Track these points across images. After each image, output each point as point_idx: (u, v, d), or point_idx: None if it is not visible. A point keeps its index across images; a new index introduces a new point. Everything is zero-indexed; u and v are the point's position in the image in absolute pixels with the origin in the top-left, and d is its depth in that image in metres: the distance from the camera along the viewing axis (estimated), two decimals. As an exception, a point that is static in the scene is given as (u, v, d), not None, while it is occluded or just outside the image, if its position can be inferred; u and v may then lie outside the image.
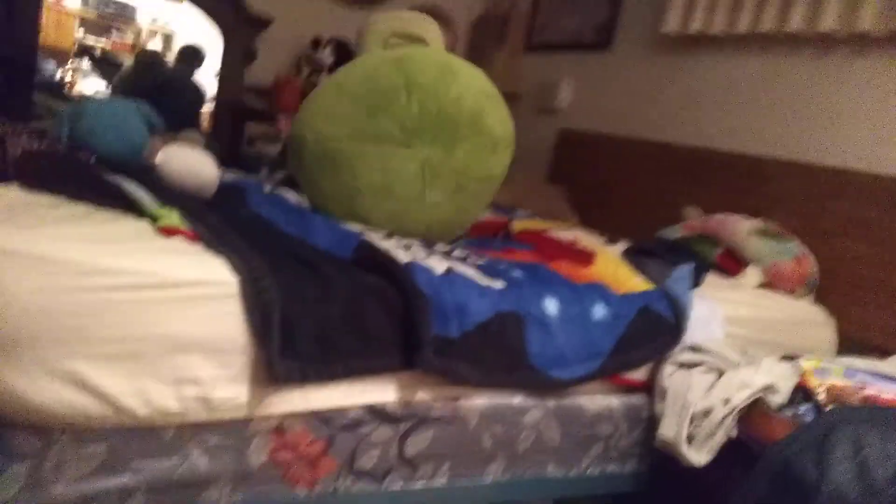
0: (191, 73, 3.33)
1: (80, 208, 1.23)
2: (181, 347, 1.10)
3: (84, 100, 1.74)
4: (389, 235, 1.76)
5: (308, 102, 1.79)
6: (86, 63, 4.14)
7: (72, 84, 3.88)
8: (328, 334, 1.23)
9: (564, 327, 1.51)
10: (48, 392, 1.01)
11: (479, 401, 1.43)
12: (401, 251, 1.56)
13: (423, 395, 1.36)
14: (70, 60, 4.02)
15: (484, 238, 2.06)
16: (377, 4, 3.63)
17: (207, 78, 3.50)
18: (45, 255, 1.02)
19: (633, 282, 1.74)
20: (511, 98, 3.40)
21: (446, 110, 1.70)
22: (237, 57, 3.24)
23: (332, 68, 3.40)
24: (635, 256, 1.98)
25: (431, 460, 1.40)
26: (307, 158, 1.74)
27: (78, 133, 1.47)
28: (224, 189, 1.64)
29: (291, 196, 1.90)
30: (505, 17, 3.41)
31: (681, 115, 2.68)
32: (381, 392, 1.31)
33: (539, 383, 1.48)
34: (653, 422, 1.61)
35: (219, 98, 3.31)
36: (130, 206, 1.28)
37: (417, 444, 1.37)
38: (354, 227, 1.70)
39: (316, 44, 3.40)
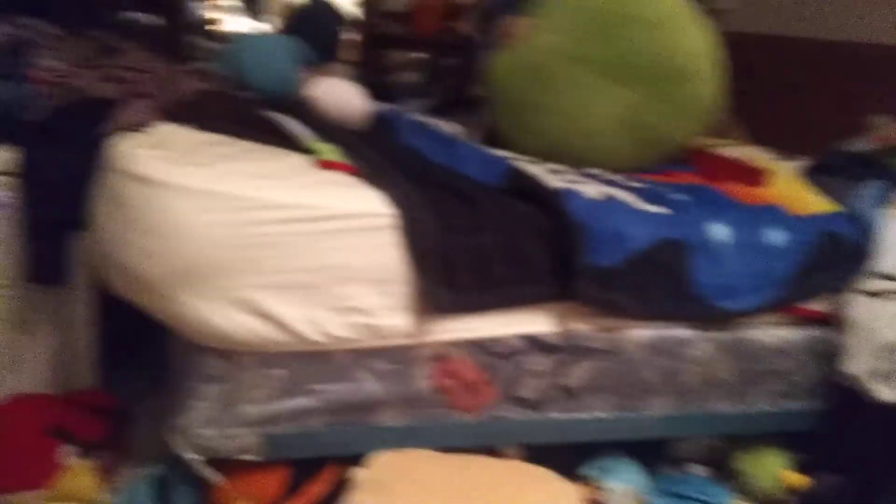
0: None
1: (244, 145, 1.27)
2: (347, 277, 1.14)
3: (239, 38, 1.79)
4: (538, 161, 1.70)
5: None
6: (237, 1, 4.30)
7: (218, 22, 4.05)
8: (482, 264, 1.22)
9: (735, 254, 1.40)
10: (232, 318, 1.09)
11: (641, 332, 1.37)
12: (551, 176, 1.50)
13: (580, 326, 1.32)
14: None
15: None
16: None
17: (348, 5, 3.52)
18: (220, 192, 1.07)
19: (812, 202, 1.59)
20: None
21: (666, 60, 1.60)
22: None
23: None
24: (815, 174, 1.79)
25: (592, 391, 1.37)
26: (511, 71, 1.68)
27: (235, 70, 1.52)
28: (375, 121, 1.65)
29: (437, 124, 1.87)
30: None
31: (866, 8, 2.34)
32: (538, 322, 1.29)
33: (706, 314, 1.40)
34: (836, 356, 1.47)
35: (360, 25, 3.31)
36: (290, 142, 1.31)
37: (577, 374, 1.34)
38: (502, 153, 1.65)
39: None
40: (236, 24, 4.11)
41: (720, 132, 2.28)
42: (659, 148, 1.68)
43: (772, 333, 1.48)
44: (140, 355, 1.46)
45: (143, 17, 3.00)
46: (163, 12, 2.84)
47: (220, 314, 1.08)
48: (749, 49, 2.75)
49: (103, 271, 1.13)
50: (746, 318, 1.44)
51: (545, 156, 1.60)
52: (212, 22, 4.00)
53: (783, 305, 1.45)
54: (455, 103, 2.27)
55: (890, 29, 2.27)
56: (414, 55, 3.31)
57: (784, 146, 2.06)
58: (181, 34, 2.98)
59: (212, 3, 4.19)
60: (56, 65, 1.44)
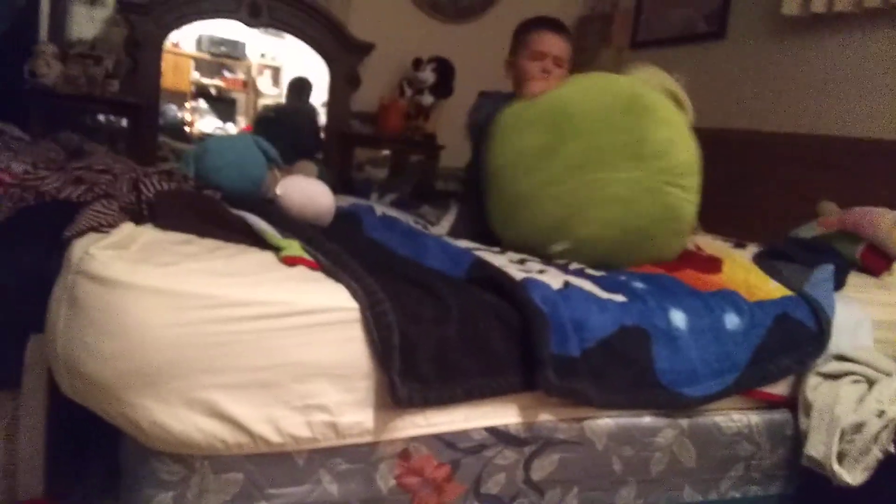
0: (302, 103, 3.47)
1: (209, 243, 1.28)
2: (308, 374, 1.12)
3: (206, 138, 1.84)
4: (501, 252, 1.74)
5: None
6: (202, 103, 4.42)
7: (191, 124, 4.15)
8: (447, 355, 1.22)
9: (694, 340, 1.43)
10: (187, 421, 1.06)
11: (606, 421, 1.37)
12: (515, 267, 1.54)
13: (546, 417, 1.32)
14: (187, 101, 4.30)
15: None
16: (472, 19, 3.65)
17: (315, 106, 3.64)
18: (180, 291, 1.06)
19: (767, 287, 1.63)
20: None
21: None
22: (342, 84, 3.35)
23: (434, 87, 3.45)
24: (767, 260, 1.85)
25: (559, 484, 1.35)
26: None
27: (202, 171, 1.55)
28: (340, 215, 1.68)
29: (403, 218, 1.92)
30: (608, 17, 3.33)
31: (807, 102, 2.50)
32: (503, 414, 1.29)
33: (669, 402, 1.41)
34: (798, 439, 1.49)
35: (327, 125, 3.42)
36: (255, 239, 1.32)
37: (544, 467, 1.33)
38: (466, 245, 1.69)
39: (417, 64, 3.45)
40: (207, 124, 4.21)
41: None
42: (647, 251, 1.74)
43: (734, 418, 1.49)
44: (90, 462, 1.41)
45: (114, 120, 3.07)
46: (132, 115, 2.90)
47: (177, 416, 1.05)
48: (700, 141, 2.89)
49: (56, 374, 1.11)
50: (708, 404, 1.45)
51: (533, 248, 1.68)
52: (185, 123, 4.09)
53: (743, 390, 1.47)
54: (418, 198, 2.33)
55: (833, 121, 2.41)
56: (379, 152, 3.42)
57: (737, 234, 2.15)
58: (153, 136, 3.04)
59: (188, 105, 4.30)
60: (19, 168, 1.46)
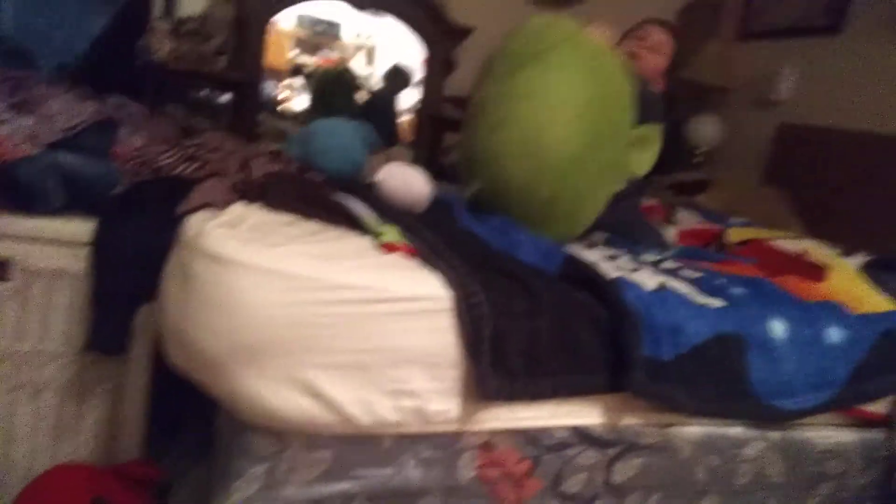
0: (395, 93, 3.49)
1: (311, 226, 1.33)
2: (400, 360, 1.15)
3: (312, 123, 1.88)
4: (592, 245, 1.72)
5: None
6: (298, 81, 4.52)
7: (285, 101, 4.24)
8: (536, 351, 1.22)
9: (793, 352, 1.38)
10: (285, 398, 1.10)
11: (693, 429, 1.34)
12: (607, 264, 1.52)
13: (631, 420, 1.30)
14: (285, 79, 4.41)
15: (695, 248, 1.94)
16: (573, 4, 3.57)
17: (409, 90, 3.66)
18: (285, 271, 1.11)
19: (873, 300, 1.55)
20: (720, 92, 3.19)
21: None
22: (438, 68, 3.35)
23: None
24: (876, 271, 1.75)
25: (640, 489, 1.34)
26: None
27: (307, 154, 1.60)
28: (433, 203, 1.70)
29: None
30: (716, 4, 3.19)
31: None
32: (588, 414, 1.28)
33: (761, 414, 1.37)
34: (892, 461, 1.42)
35: (420, 109, 3.44)
36: (355, 223, 1.36)
37: (625, 470, 1.32)
38: (559, 242, 1.67)
39: (513, 49, 3.41)
40: (300, 102, 4.32)
41: (776, 225, 2.27)
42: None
43: (826, 435, 1.44)
44: (187, 431, 1.49)
45: (216, 97, 3.18)
46: (235, 92, 3.00)
47: (275, 393, 1.10)
48: (808, 141, 2.75)
49: (163, 344, 1.18)
50: (802, 419, 1.40)
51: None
52: (281, 101, 4.21)
53: (840, 407, 1.41)
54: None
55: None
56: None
57: (845, 241, 2.03)
58: (253, 113, 3.14)
59: (283, 83, 4.42)
60: (138, 143, 1.54)
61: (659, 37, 2.12)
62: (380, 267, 1.19)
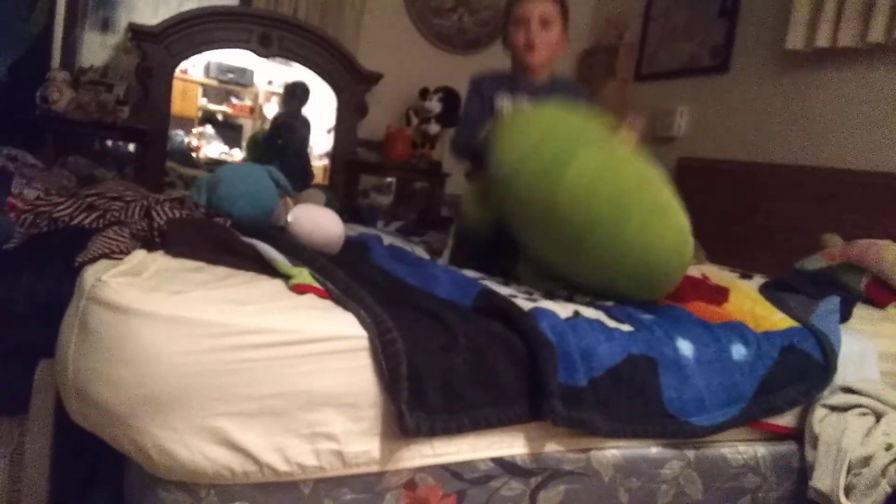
0: (298, 109, 3.48)
1: (220, 271, 1.30)
2: (316, 403, 1.12)
3: (219, 167, 1.85)
4: (506, 283, 1.75)
5: None
6: (209, 128, 4.47)
7: (198, 149, 4.18)
8: (454, 385, 1.22)
9: (702, 370, 1.43)
10: (195, 448, 1.06)
11: (612, 452, 1.37)
12: (522, 297, 1.54)
13: (553, 447, 1.31)
14: (194, 127, 4.34)
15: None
16: (479, 50, 3.70)
17: (322, 135, 3.68)
18: (192, 319, 1.07)
19: (773, 319, 1.64)
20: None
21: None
22: (350, 112, 3.39)
23: (440, 117, 3.49)
24: (774, 292, 1.85)
25: (566, 516, 1.34)
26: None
27: (214, 199, 1.57)
28: (348, 244, 1.69)
29: (410, 248, 1.93)
30: (613, 49, 3.37)
31: (810, 135, 2.52)
32: (510, 444, 1.28)
33: (677, 432, 1.41)
34: (804, 472, 1.48)
35: (334, 153, 3.46)
36: (265, 267, 1.33)
37: (550, 498, 1.32)
38: (474, 274, 1.69)
39: (424, 94, 3.50)
40: (213, 150, 4.25)
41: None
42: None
43: (740, 450, 1.49)
44: (95, 489, 1.40)
45: (122, 145, 3.10)
46: (140, 141, 2.93)
47: (184, 445, 1.05)
48: (704, 173, 2.92)
49: (65, 400, 1.11)
50: (715, 435, 1.45)
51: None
52: (192, 149, 4.13)
53: (750, 421, 1.47)
54: (423, 225, 2.35)
55: (837, 154, 2.43)
56: (385, 179, 3.44)
57: (742, 265, 2.16)
58: (161, 161, 3.07)
59: (194, 131, 4.35)
60: (34, 195, 1.48)
61: (541, 8, 1.97)
62: (290, 309, 1.17)
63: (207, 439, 1.06)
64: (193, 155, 4.01)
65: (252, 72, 4.62)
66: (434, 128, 3.46)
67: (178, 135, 4.28)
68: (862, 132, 2.34)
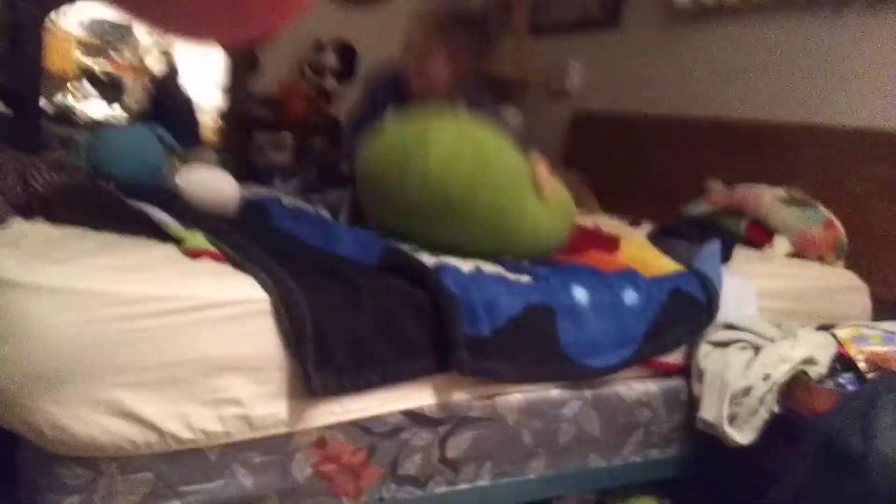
0: (175, 78, 3.29)
1: (106, 237, 1.23)
2: (217, 369, 1.11)
3: (100, 128, 1.73)
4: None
5: None
6: (86, 85, 4.17)
7: (77, 108, 3.90)
8: (361, 342, 1.23)
9: (596, 315, 1.50)
10: (92, 423, 1.02)
11: (516, 397, 1.42)
12: (426, 254, 1.56)
13: (459, 396, 1.35)
14: (70, 84, 4.03)
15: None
16: (377, 4, 3.61)
17: (212, 90, 3.51)
18: (76, 289, 1.02)
19: (661, 264, 1.72)
20: (520, 84, 3.39)
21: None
22: (240, 67, 3.24)
23: (336, 71, 3.39)
24: (661, 238, 1.95)
25: (473, 461, 1.39)
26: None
27: (96, 162, 1.47)
28: (246, 206, 1.64)
29: (310, 207, 1.89)
30: (507, 3, 3.38)
31: (697, 87, 2.64)
32: (418, 396, 1.31)
33: (574, 373, 1.48)
34: (692, 405, 1.59)
35: (227, 110, 3.31)
36: (155, 231, 1.28)
37: (458, 445, 1.37)
38: (376, 233, 1.69)
39: (318, 47, 3.39)
40: (95, 109, 3.98)
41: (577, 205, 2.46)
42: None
43: (633, 388, 1.58)
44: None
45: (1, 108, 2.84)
46: (13, 102, 2.70)
47: (80, 420, 1.01)
48: (597, 126, 3.01)
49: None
50: (610, 375, 1.53)
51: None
52: (71, 110, 3.84)
53: (641, 360, 1.55)
54: (323, 182, 2.30)
55: (717, 105, 2.55)
56: (281, 136, 3.33)
57: (633, 213, 2.25)
58: (35, 123, 2.84)
59: (71, 90, 4.04)
60: None
61: (422, 40, 1.93)
62: (184, 274, 1.14)
63: (104, 412, 1.03)
64: (74, 115, 3.74)
65: (131, 27, 4.33)
66: (331, 82, 3.37)
67: (57, 95, 3.96)
68: (743, 84, 2.47)
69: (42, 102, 3.02)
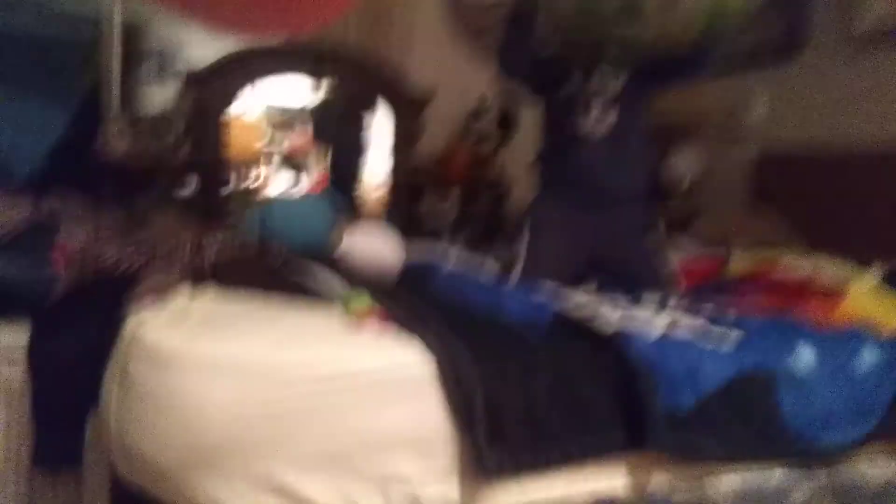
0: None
1: (272, 309, 1.20)
2: (383, 443, 1.00)
3: (273, 199, 1.78)
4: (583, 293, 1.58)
5: None
6: (272, 168, 4.49)
7: (262, 187, 4.18)
8: (538, 414, 1.07)
9: (825, 382, 1.24)
10: (251, 500, 0.95)
11: (729, 478, 1.18)
12: (606, 306, 1.38)
13: (660, 478, 1.14)
14: (257, 168, 4.36)
15: (698, 288, 1.78)
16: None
17: (382, 159, 3.60)
18: (238, 362, 0.97)
19: (899, 315, 1.42)
20: (694, 127, 3.15)
21: None
22: (406, 134, 3.30)
23: (495, 136, 3.37)
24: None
25: (681, 559, 1.16)
26: None
27: (267, 232, 1.48)
28: (409, 269, 1.57)
29: (475, 268, 1.79)
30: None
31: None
32: (608, 479, 1.12)
33: (801, 452, 1.21)
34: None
35: (393, 179, 3.37)
36: (322, 298, 1.23)
37: (662, 539, 1.14)
38: (549, 287, 1.54)
39: (475, 115, 3.39)
40: (276, 188, 4.24)
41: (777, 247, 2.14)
42: None
43: (879, 467, 1.27)
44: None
45: (181, 191, 3.09)
46: (199, 182, 2.91)
47: (241, 498, 0.94)
48: (790, 165, 2.68)
49: (114, 456, 1.02)
50: (848, 454, 1.24)
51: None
52: (255, 189, 4.13)
53: (886, 434, 1.25)
54: (484, 240, 2.21)
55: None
56: (444, 201, 3.32)
57: (854, 255, 1.87)
58: (219, 202, 3.05)
59: (255, 172, 4.37)
60: (79, 242, 1.42)
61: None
62: (350, 342, 1.06)
63: (265, 491, 0.95)
64: (258, 193, 4.01)
65: (307, 109, 4.64)
66: (487, 148, 3.34)
67: (241, 177, 4.30)
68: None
69: (227, 186, 3.26)
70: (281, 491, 0.95)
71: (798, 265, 1.74)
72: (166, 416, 0.94)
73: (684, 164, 3.02)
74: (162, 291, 1.21)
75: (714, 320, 1.32)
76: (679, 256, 2.06)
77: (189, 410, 0.93)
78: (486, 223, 2.94)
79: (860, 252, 1.88)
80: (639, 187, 1.75)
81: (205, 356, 0.96)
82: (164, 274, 1.27)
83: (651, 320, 1.25)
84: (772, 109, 2.89)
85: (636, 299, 1.48)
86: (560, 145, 1.75)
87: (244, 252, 1.48)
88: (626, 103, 1.69)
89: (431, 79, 3.26)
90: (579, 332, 1.22)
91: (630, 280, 1.63)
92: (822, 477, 1.24)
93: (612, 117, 1.67)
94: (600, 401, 1.11)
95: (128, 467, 0.99)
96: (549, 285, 1.54)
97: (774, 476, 1.21)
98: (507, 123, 3.38)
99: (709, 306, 1.41)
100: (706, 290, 1.68)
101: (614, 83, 1.68)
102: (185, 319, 1.08)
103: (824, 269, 1.68)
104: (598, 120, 1.67)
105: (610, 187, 1.68)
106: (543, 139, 1.83)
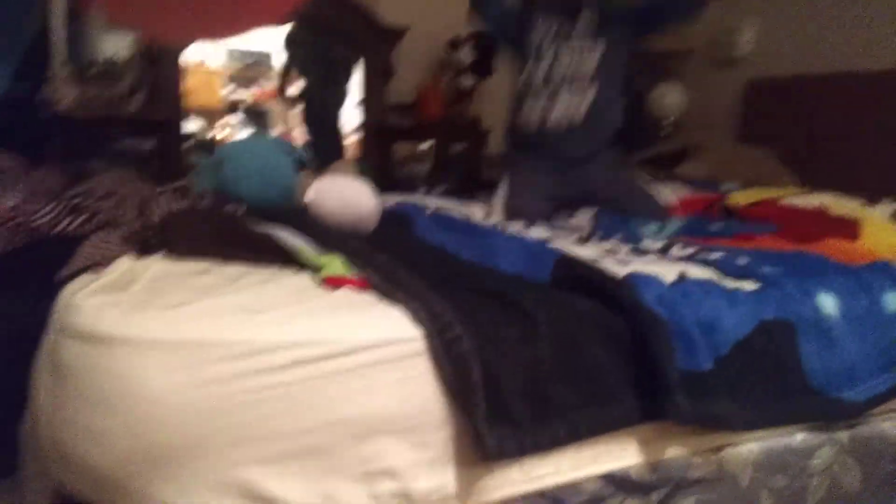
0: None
1: (232, 270, 1.04)
2: (366, 431, 0.86)
3: (224, 146, 1.59)
4: (577, 229, 1.45)
5: None
6: (235, 117, 4.27)
7: (225, 140, 3.98)
8: (541, 386, 0.94)
9: (850, 330, 1.13)
10: (218, 509, 0.81)
11: (749, 447, 1.08)
12: (608, 260, 1.25)
13: (675, 452, 1.03)
14: (220, 118, 4.15)
15: (696, 218, 1.67)
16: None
17: (350, 102, 3.41)
18: (192, 340, 0.82)
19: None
20: (679, 56, 2.98)
21: None
22: (376, 76, 3.09)
23: (474, 66, 3.16)
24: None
25: (701, 535, 1.06)
26: None
27: (220, 183, 1.30)
28: (385, 219, 1.41)
29: (459, 211, 1.64)
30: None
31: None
32: (620, 454, 1.01)
33: (826, 410, 1.12)
34: None
35: (364, 121, 3.18)
36: (288, 259, 1.07)
37: (679, 515, 1.04)
38: (542, 233, 1.40)
39: (454, 45, 3.17)
40: (239, 137, 4.03)
41: (774, 183, 2.02)
42: None
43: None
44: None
45: (138, 144, 2.89)
46: (157, 135, 2.71)
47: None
48: (781, 93, 2.54)
49: (49, 462, 0.87)
50: (872, 409, 1.15)
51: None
52: (217, 141, 3.93)
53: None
54: (467, 187, 2.07)
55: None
56: (421, 145, 3.15)
57: (849, 190, 1.74)
58: (178, 155, 2.84)
59: (219, 122, 4.16)
60: (11, 202, 1.23)
61: None
62: (321, 311, 0.90)
63: (232, 496, 0.81)
64: (216, 146, 3.81)
65: (269, 54, 4.39)
66: (468, 80, 3.13)
67: (204, 127, 4.09)
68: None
69: (188, 137, 3.05)
70: (249, 493, 0.81)
71: (803, 201, 1.62)
72: (104, 411, 0.78)
73: (670, 99, 2.87)
74: (102, 256, 1.04)
75: (726, 267, 1.19)
76: (673, 193, 1.94)
77: (131, 404, 0.78)
78: (465, 170, 2.77)
79: (853, 185, 1.75)
80: (608, 138, 1.82)
81: (147, 334, 0.81)
82: (101, 239, 1.10)
83: (659, 273, 1.12)
84: (763, 36, 2.73)
85: (636, 236, 1.36)
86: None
87: (197, 205, 1.31)
88: (609, 48, 1.78)
89: (401, 16, 3.04)
90: (585, 279, 1.09)
91: (624, 211, 1.62)
92: (842, 437, 1.14)
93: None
94: (610, 365, 0.99)
95: (66, 474, 0.84)
96: (542, 224, 1.42)
97: (795, 440, 1.11)
98: (485, 54, 3.18)
99: (718, 253, 1.28)
100: (710, 229, 1.55)
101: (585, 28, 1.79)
102: (128, 287, 0.92)
103: (832, 205, 1.55)
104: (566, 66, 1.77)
105: (575, 152, 1.76)
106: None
